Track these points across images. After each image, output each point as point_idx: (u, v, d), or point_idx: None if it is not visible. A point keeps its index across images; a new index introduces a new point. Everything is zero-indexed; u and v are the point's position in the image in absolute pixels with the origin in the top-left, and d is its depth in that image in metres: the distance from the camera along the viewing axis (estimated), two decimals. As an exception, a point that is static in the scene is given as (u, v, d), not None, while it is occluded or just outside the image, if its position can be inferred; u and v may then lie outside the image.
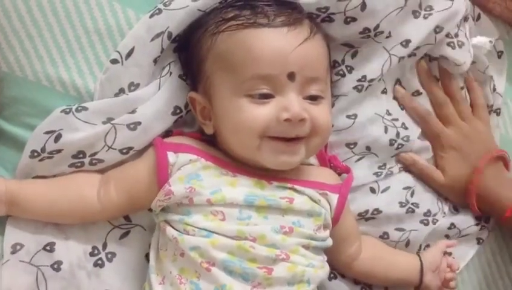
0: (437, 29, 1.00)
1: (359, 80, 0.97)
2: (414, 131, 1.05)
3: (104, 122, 0.86)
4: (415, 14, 0.99)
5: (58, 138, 0.85)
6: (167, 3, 0.88)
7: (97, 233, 0.90)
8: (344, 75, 0.98)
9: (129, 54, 0.87)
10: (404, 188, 1.03)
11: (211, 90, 0.85)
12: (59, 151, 0.85)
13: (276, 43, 0.81)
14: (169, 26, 0.87)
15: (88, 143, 0.86)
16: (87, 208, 0.86)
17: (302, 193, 0.86)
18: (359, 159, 1.00)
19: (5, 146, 0.88)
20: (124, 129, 0.86)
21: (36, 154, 0.85)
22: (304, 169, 0.91)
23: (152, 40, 0.87)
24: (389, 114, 1.02)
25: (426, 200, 1.05)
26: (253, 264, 0.79)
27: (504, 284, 1.13)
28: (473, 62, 1.07)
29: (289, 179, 0.87)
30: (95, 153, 0.87)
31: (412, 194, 1.04)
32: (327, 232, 0.88)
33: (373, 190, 1.01)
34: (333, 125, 0.95)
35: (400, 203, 1.02)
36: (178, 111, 0.89)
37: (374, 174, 1.01)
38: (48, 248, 0.87)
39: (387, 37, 0.97)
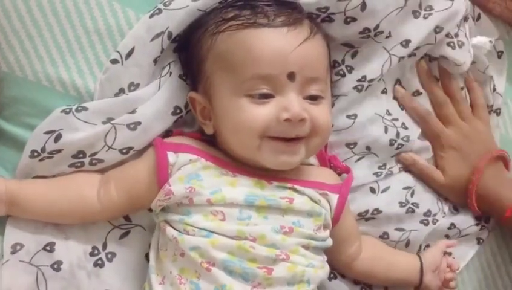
0: (437, 29, 1.00)
1: (359, 80, 0.97)
2: (414, 131, 1.05)
3: (104, 122, 0.86)
4: (415, 14, 0.99)
5: (58, 138, 0.85)
6: (167, 3, 0.88)
7: (97, 233, 0.90)
8: (344, 75, 0.98)
9: (129, 54, 0.87)
10: (404, 188, 1.03)
11: (211, 90, 0.85)
12: (59, 151, 0.85)
13: (276, 43, 0.81)
14: (169, 26, 0.87)
15: (88, 143, 0.86)
16: (87, 208, 0.86)
17: (302, 193, 0.86)
18: (359, 159, 1.00)
19: (5, 146, 0.88)
20: (124, 129, 0.86)
21: (36, 154, 0.85)
22: (304, 169, 0.91)
23: (152, 40, 0.87)
24: (389, 114, 1.02)
25: (426, 200, 1.05)
26: (253, 264, 0.79)
27: (504, 284, 1.13)
28: (473, 62, 1.07)
29: (289, 179, 0.87)
30: (95, 153, 0.87)
31: (412, 194, 1.04)
32: (327, 232, 0.88)
33: (373, 190, 1.01)
34: (333, 125, 0.95)
35: (400, 203, 1.02)
36: (178, 111, 0.89)
37: (374, 174, 1.01)
38: (48, 247, 0.87)
39: (387, 37, 0.97)
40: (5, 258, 0.85)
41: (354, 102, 0.98)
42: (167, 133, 0.90)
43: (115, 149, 0.87)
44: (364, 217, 1.01)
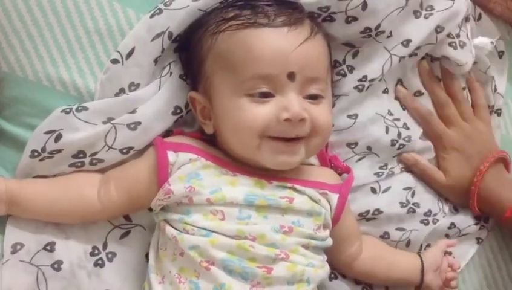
0: (438, 29, 1.00)
1: (360, 80, 0.97)
2: (416, 131, 1.05)
3: (104, 122, 0.87)
4: (416, 14, 0.99)
5: (58, 137, 0.85)
6: (167, 3, 0.88)
7: (98, 233, 0.90)
8: (344, 75, 0.98)
9: (129, 54, 0.88)
10: (405, 189, 1.03)
11: (211, 90, 0.85)
12: (59, 151, 0.85)
13: (276, 43, 0.81)
14: (169, 26, 0.87)
15: (88, 143, 0.86)
16: (87, 208, 0.86)
17: (302, 193, 0.86)
18: (360, 159, 1.00)
19: (5, 146, 0.88)
20: (125, 129, 0.87)
21: (36, 154, 0.85)
22: (304, 169, 0.91)
23: (153, 40, 0.87)
24: (391, 114, 1.02)
25: (427, 200, 1.05)
26: (253, 264, 0.79)
27: (504, 284, 1.13)
28: (475, 62, 1.06)
29: (289, 179, 0.87)
30: (95, 153, 0.87)
31: (413, 195, 1.03)
32: (327, 232, 0.88)
33: (374, 190, 1.01)
34: (333, 125, 0.95)
35: (401, 203, 1.02)
36: (178, 111, 0.90)
37: (375, 174, 1.01)
38: (48, 247, 0.87)
39: (388, 37, 0.97)
40: (5, 258, 0.85)
41: (355, 102, 0.98)
42: (168, 133, 0.90)
43: (116, 149, 0.87)
44: (365, 217, 1.01)
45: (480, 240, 1.11)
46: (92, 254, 0.89)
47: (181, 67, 0.91)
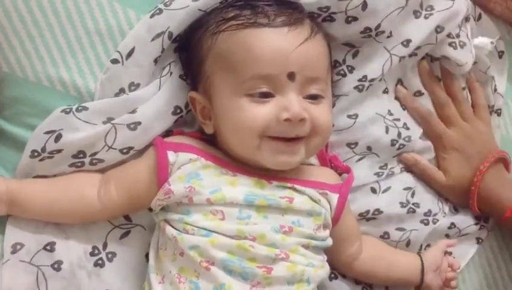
0: (438, 29, 1.00)
1: (360, 80, 0.97)
2: (416, 131, 1.05)
3: (104, 122, 0.87)
4: (416, 14, 0.99)
5: (58, 137, 0.85)
6: (167, 3, 0.88)
7: (98, 233, 0.90)
8: (344, 75, 0.98)
9: (129, 54, 0.88)
10: (405, 189, 1.03)
11: (211, 90, 0.85)
12: (59, 151, 0.85)
13: (276, 43, 0.81)
14: (169, 26, 0.87)
15: (88, 143, 0.86)
16: (87, 208, 0.86)
17: (302, 193, 0.86)
18: (360, 159, 1.00)
19: (5, 146, 0.88)
20: (125, 129, 0.87)
21: (36, 154, 0.85)
22: (304, 169, 0.91)
23: (153, 40, 0.87)
24: (391, 114, 1.02)
25: (427, 200, 1.05)
26: (253, 264, 0.79)
27: (504, 284, 1.13)
28: (475, 62, 1.06)
29: (289, 179, 0.87)
30: (95, 153, 0.87)
31: (413, 195, 1.03)
32: (327, 232, 0.88)
33: (374, 190, 1.01)
34: (333, 125, 0.95)
35: (401, 203, 1.02)
36: (178, 111, 0.90)
37: (375, 174, 1.01)
38: (48, 247, 0.87)
39: (388, 37, 0.97)
40: (5, 258, 0.85)
41: (355, 102, 0.98)
42: (168, 133, 0.90)
43: (116, 149, 0.87)
44: (365, 217, 1.01)
45: (480, 240, 1.11)
46: (92, 254, 0.89)
47: (181, 67, 0.91)
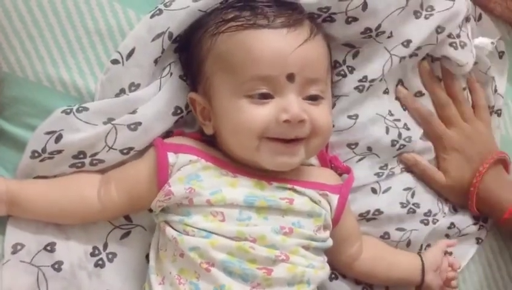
0: (439, 30, 1.00)
1: (360, 80, 0.97)
2: (416, 132, 1.05)
3: (105, 123, 0.87)
4: (416, 14, 0.99)
5: (59, 138, 0.85)
6: (168, 3, 0.88)
7: (98, 233, 0.90)
8: (345, 76, 0.98)
9: (129, 55, 0.88)
10: (405, 189, 1.03)
11: (211, 91, 0.85)
12: (59, 151, 0.85)
13: (275, 44, 0.81)
14: (169, 27, 0.87)
15: (89, 143, 0.86)
16: (88, 208, 0.86)
17: (303, 194, 0.86)
18: (360, 160, 1.00)
19: (6, 146, 0.88)
20: (125, 129, 0.87)
21: (36, 154, 0.85)
22: (304, 170, 0.91)
23: (153, 40, 0.87)
24: (391, 114, 1.02)
25: (427, 200, 1.05)
26: (253, 265, 0.79)
27: (504, 284, 1.13)
28: (475, 63, 1.06)
29: (289, 180, 0.87)
30: (95, 154, 0.87)
31: (413, 195, 1.03)
32: (327, 233, 0.88)
33: (374, 191, 1.01)
34: (334, 126, 0.95)
35: (401, 203, 1.02)
36: (178, 111, 0.90)
37: (375, 174, 1.01)
38: (48, 248, 0.87)
39: (388, 37, 0.97)
40: (5, 258, 0.85)
41: (356, 102, 0.98)
42: (168, 134, 0.90)
43: (116, 149, 0.87)
44: (365, 217, 1.01)
45: (480, 240, 1.11)
46: (92, 255, 0.89)
47: (181, 67, 0.91)
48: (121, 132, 0.87)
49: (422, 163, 1.04)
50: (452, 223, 1.07)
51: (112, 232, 0.90)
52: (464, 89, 1.08)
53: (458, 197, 1.07)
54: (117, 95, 0.88)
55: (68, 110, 0.86)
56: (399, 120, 1.02)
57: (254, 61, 0.81)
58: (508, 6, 1.11)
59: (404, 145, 1.02)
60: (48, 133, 0.85)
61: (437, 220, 1.05)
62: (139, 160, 0.88)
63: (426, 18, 0.99)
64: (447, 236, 1.07)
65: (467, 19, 1.04)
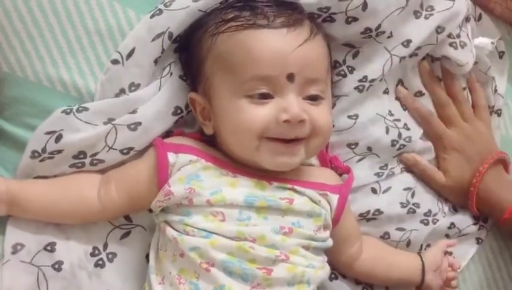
0: (439, 30, 1.00)
1: (360, 80, 0.97)
2: (416, 132, 1.05)
3: (105, 123, 0.87)
4: (416, 14, 0.99)
5: (59, 138, 0.85)
6: (168, 3, 0.88)
7: (98, 233, 0.90)
8: (345, 76, 0.98)
9: (129, 55, 0.88)
10: (405, 189, 1.03)
11: (211, 91, 0.85)
12: (59, 151, 0.85)
13: (275, 44, 0.81)
14: (169, 27, 0.87)
15: (89, 143, 0.86)
16: (88, 208, 0.86)
17: (303, 194, 0.86)
18: (360, 160, 1.00)
19: (6, 146, 0.88)
20: (125, 129, 0.87)
21: (36, 154, 0.85)
22: (304, 170, 0.91)
23: (153, 40, 0.87)
24: (391, 114, 1.02)
25: (426, 200, 1.05)
26: (253, 265, 0.79)
27: (504, 284, 1.13)
28: (475, 63, 1.06)
29: (289, 180, 0.87)
30: (96, 154, 0.87)
31: (413, 195, 1.03)
32: (327, 233, 0.88)
33: (374, 191, 1.01)
34: (334, 126, 0.95)
35: (402, 203, 1.02)
36: (178, 111, 0.90)
37: (375, 174, 1.01)
38: (48, 248, 0.87)
39: (388, 37, 0.97)
40: (5, 258, 0.85)
41: (356, 102, 0.98)
42: (168, 134, 0.90)
43: (116, 149, 0.87)
44: (365, 217, 1.01)
45: (480, 240, 1.11)
46: (92, 255, 0.89)
47: (181, 67, 0.91)
48: (121, 132, 0.87)
49: (422, 163, 1.04)
50: (452, 223, 1.07)
51: (112, 232, 0.90)
52: (464, 88, 1.08)
53: (458, 197, 1.07)
54: (117, 95, 0.88)
55: (68, 110, 0.86)
56: (399, 120, 1.02)
57: (254, 61, 0.81)
58: (508, 6, 1.11)
59: (404, 145, 1.02)
60: (48, 133, 0.85)
61: (437, 220, 1.05)
62: (139, 160, 0.88)
63: (426, 18, 0.99)
64: (447, 236, 1.07)
65: (467, 19, 1.04)
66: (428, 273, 1.00)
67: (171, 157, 0.84)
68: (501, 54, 1.13)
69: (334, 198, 0.89)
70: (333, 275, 0.98)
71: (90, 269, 0.88)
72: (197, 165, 0.84)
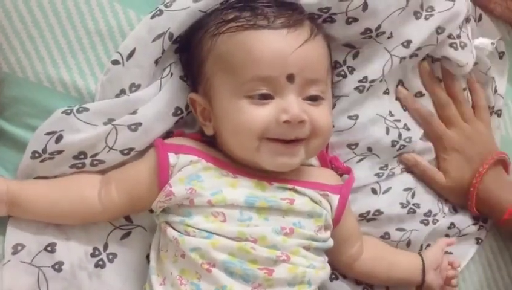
0: (439, 30, 1.00)
1: (360, 81, 0.97)
2: (417, 132, 1.05)
3: (105, 123, 0.87)
4: (416, 14, 0.99)
5: (59, 139, 0.85)
6: (168, 4, 0.88)
7: (98, 234, 0.90)
8: (345, 76, 0.98)
9: (130, 55, 0.88)
10: (405, 189, 1.03)
11: (211, 92, 0.85)
12: (60, 152, 0.85)
13: (275, 44, 0.81)
14: (170, 27, 0.87)
15: (89, 144, 0.86)
16: (88, 209, 0.86)
17: (303, 194, 0.86)
18: (360, 160, 1.00)
19: (6, 146, 0.88)
20: (125, 130, 0.87)
21: (37, 155, 0.85)
22: (305, 170, 0.91)
23: (153, 41, 0.87)
24: (391, 115, 1.02)
25: (427, 201, 1.05)
26: (254, 266, 0.79)
27: (504, 284, 1.13)
28: (475, 63, 1.06)
29: (290, 180, 0.87)
30: (96, 154, 0.87)
31: (413, 195, 1.04)
32: (328, 233, 0.88)
33: (374, 191, 1.01)
34: (334, 126, 0.95)
35: (402, 204, 1.02)
36: (179, 112, 0.90)
37: (375, 175, 1.01)
38: (49, 248, 0.87)
39: (388, 38, 0.97)
40: (6, 259, 0.85)
41: (356, 103, 0.98)
42: (168, 134, 0.90)
43: (116, 150, 0.87)
44: (366, 217, 1.01)
45: (480, 241, 1.12)
46: (93, 255, 0.89)
47: (181, 68, 0.91)
48: (122, 133, 0.87)
49: (422, 163, 1.05)
50: (452, 223, 1.07)
51: (113, 232, 0.90)
52: (464, 89, 1.08)
53: (458, 198, 1.07)
54: (118, 96, 0.88)
55: (69, 111, 0.86)
56: (399, 120, 1.02)
57: (254, 62, 0.81)
58: (508, 6, 1.11)
59: (404, 146, 1.02)
60: (49, 133, 0.85)
61: (437, 220, 1.05)
62: (139, 161, 0.88)
63: (426, 19, 0.99)
64: (447, 236, 1.07)
65: (467, 20, 1.04)
66: (428, 272, 1.00)
67: (172, 158, 0.84)
68: (501, 55, 1.14)
69: (335, 198, 0.89)
70: (333, 276, 0.98)
71: (90, 269, 0.88)
72: (198, 165, 0.84)
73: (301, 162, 0.86)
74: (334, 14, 0.92)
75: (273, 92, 0.81)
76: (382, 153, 1.01)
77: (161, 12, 0.87)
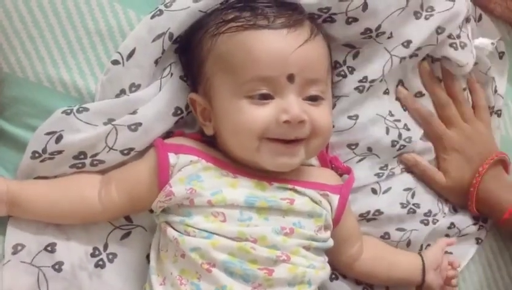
0: (439, 30, 1.00)
1: (360, 81, 0.97)
2: (417, 132, 1.05)
3: (105, 123, 0.86)
4: (416, 14, 0.99)
5: (59, 139, 0.85)
6: (168, 4, 0.88)
7: (98, 234, 0.90)
8: (345, 76, 0.98)
9: (130, 55, 0.88)
10: (405, 189, 1.03)
11: (211, 92, 0.85)
12: (60, 152, 0.85)
13: (275, 44, 0.81)
14: (170, 27, 0.87)
15: (89, 144, 0.86)
16: (88, 209, 0.86)
17: (303, 194, 0.86)
18: (360, 160, 1.00)
19: (6, 146, 0.88)
20: (125, 130, 0.87)
21: (37, 155, 0.85)
22: (305, 170, 0.91)
23: (153, 41, 0.87)
24: (391, 115, 1.02)
25: (427, 201, 1.05)
26: (254, 266, 0.79)
27: (504, 283, 1.13)
28: (475, 63, 1.06)
29: (290, 180, 0.87)
30: (96, 154, 0.87)
31: (413, 195, 1.04)
32: (328, 233, 0.88)
33: (374, 191, 1.01)
34: (334, 126, 0.95)
35: (402, 204, 1.02)
36: (179, 112, 0.90)
37: (375, 175, 1.01)
38: (49, 248, 0.87)
39: (388, 38, 0.97)
40: (6, 259, 0.85)
41: (356, 103, 0.98)
42: (168, 134, 0.90)
43: (116, 150, 0.87)
44: (366, 217, 1.01)
45: (480, 241, 1.12)
46: (93, 255, 0.89)
47: (181, 68, 0.91)
48: (122, 133, 0.87)
49: (422, 163, 1.05)
50: (452, 223, 1.07)
51: (113, 232, 0.90)
52: (464, 89, 1.08)
53: (458, 198, 1.07)
54: (118, 96, 0.88)
55: (69, 111, 0.86)
56: (399, 120, 1.02)
57: (254, 62, 0.81)
58: (508, 6, 1.11)
59: (404, 146, 1.02)
60: (49, 133, 0.85)
61: (437, 220, 1.05)
62: (139, 161, 0.88)
63: (426, 19, 0.99)
64: (447, 236, 1.07)
65: (467, 20, 1.04)
66: (428, 272, 1.00)
67: (172, 158, 0.84)
68: (501, 55, 1.14)
69: (335, 198, 0.89)
70: (333, 276, 0.98)
71: (90, 269, 0.88)
72: (198, 165, 0.84)
73: (301, 162, 0.86)
74: (334, 14, 0.92)
75: (273, 92, 0.81)
76: (382, 153, 1.01)
77: (161, 12, 0.87)
